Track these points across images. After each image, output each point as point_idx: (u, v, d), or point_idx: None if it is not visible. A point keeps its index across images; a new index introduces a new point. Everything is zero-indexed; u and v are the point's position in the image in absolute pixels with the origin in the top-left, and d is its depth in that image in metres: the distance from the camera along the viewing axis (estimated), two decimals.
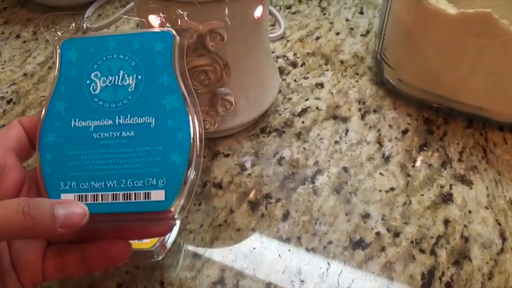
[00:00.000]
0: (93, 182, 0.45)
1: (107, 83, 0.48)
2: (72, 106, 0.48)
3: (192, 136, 0.46)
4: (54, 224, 0.40)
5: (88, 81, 0.48)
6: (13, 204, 0.40)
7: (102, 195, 0.45)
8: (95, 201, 0.45)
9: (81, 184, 0.45)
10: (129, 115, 0.47)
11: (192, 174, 0.45)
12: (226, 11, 0.60)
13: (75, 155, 0.46)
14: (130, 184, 0.45)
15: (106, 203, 0.45)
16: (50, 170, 0.46)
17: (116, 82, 0.48)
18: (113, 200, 0.45)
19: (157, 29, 0.51)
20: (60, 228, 0.41)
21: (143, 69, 0.48)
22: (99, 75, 0.48)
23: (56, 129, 0.47)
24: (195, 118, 0.47)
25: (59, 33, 0.52)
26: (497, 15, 0.64)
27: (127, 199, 0.45)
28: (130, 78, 0.48)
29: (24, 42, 0.92)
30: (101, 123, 0.47)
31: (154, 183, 0.45)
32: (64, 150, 0.47)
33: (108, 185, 0.45)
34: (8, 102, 0.80)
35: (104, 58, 0.49)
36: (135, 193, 0.45)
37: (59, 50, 0.51)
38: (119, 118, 0.47)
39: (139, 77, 0.48)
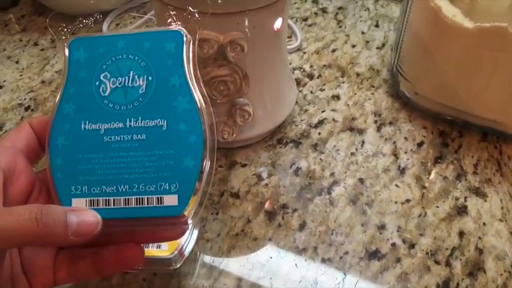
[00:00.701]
0: (104, 187, 0.44)
1: (117, 84, 0.46)
2: (81, 108, 0.46)
3: (204, 139, 0.44)
4: (67, 232, 0.40)
5: (97, 83, 0.47)
6: (26, 211, 0.39)
7: (114, 200, 0.44)
8: (107, 206, 0.44)
9: (93, 188, 0.44)
10: (140, 118, 0.45)
11: (205, 178, 0.44)
12: (247, 22, 0.60)
13: (86, 159, 0.45)
14: (142, 189, 0.43)
15: (118, 208, 0.44)
16: (61, 174, 0.45)
17: (126, 83, 0.46)
18: (125, 205, 0.44)
19: (167, 28, 0.49)
20: (72, 237, 0.40)
21: (154, 70, 0.47)
22: (109, 76, 0.47)
23: (65, 132, 0.46)
24: (208, 120, 0.45)
25: (66, 31, 0.51)
26: None
27: (139, 204, 0.43)
28: (141, 79, 0.46)
29: (42, 50, 0.93)
30: (112, 126, 0.45)
31: (167, 187, 0.43)
32: (74, 153, 0.45)
33: (120, 190, 0.44)
34: (26, 109, 0.81)
35: (113, 58, 0.47)
36: (147, 198, 0.43)
37: (66, 50, 0.49)
38: (130, 121, 0.45)
39: (150, 78, 0.46)
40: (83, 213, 0.41)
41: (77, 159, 0.45)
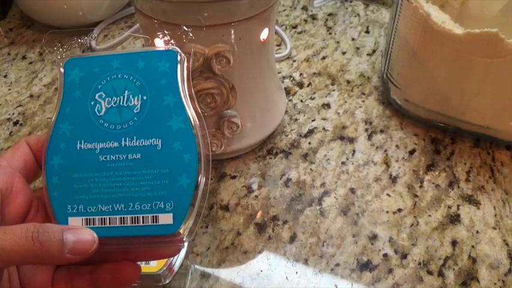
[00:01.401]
0: (100, 206, 0.44)
1: (112, 104, 0.46)
2: (77, 128, 0.46)
3: (199, 157, 0.44)
4: (63, 250, 0.40)
5: (93, 102, 0.47)
6: (22, 230, 0.39)
7: (109, 218, 0.44)
8: (103, 225, 0.44)
9: (89, 207, 0.44)
10: (135, 137, 0.45)
11: (199, 196, 0.44)
12: (233, 34, 0.60)
13: (82, 178, 0.45)
14: (138, 207, 0.44)
15: (114, 227, 0.44)
16: (57, 193, 0.45)
17: (121, 103, 0.46)
18: (121, 223, 0.44)
19: (161, 48, 0.49)
20: (69, 255, 0.40)
21: (148, 89, 0.46)
22: (104, 95, 0.47)
23: (61, 152, 0.46)
24: (202, 139, 0.45)
25: (61, 50, 0.51)
26: (504, 34, 0.63)
27: (135, 223, 0.44)
28: (136, 98, 0.46)
29: (31, 63, 0.92)
30: (107, 145, 0.45)
31: (162, 206, 0.43)
32: (70, 173, 0.45)
33: (116, 209, 0.44)
34: (15, 123, 0.80)
35: (108, 78, 0.47)
36: (143, 217, 0.43)
37: (62, 70, 0.49)
38: (125, 140, 0.45)
39: (145, 98, 0.46)
40: (79, 232, 0.41)
41: (73, 179, 0.45)
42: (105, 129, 0.46)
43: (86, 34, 0.82)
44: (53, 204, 0.45)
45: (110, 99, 0.47)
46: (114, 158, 0.45)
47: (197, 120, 0.46)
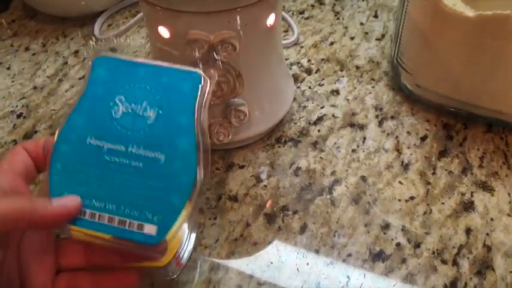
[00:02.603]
0: (94, 200, 0.46)
1: (129, 109, 0.48)
2: (91, 123, 0.48)
3: (195, 183, 0.46)
4: (49, 202, 0.44)
5: (111, 103, 0.49)
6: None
7: (99, 215, 0.46)
8: (92, 219, 0.46)
9: (83, 200, 0.46)
10: (141, 146, 0.47)
11: (187, 216, 0.47)
12: (238, 20, 0.58)
13: (84, 171, 0.47)
14: (127, 212, 0.46)
15: (101, 223, 0.46)
16: (57, 178, 0.47)
17: (137, 111, 0.48)
18: (109, 222, 0.46)
19: (187, 68, 0.50)
20: (56, 205, 0.44)
21: (166, 104, 0.48)
22: (123, 99, 0.49)
23: (71, 142, 0.48)
24: (203, 165, 0.47)
25: (94, 46, 0.53)
26: None
27: (121, 225, 0.46)
28: (152, 111, 0.48)
29: (34, 54, 0.91)
30: (114, 147, 0.47)
31: (150, 217, 0.46)
32: (75, 163, 0.47)
33: (107, 207, 0.46)
34: (18, 116, 0.79)
35: (131, 84, 0.49)
36: (129, 221, 0.46)
37: (90, 64, 0.51)
38: (132, 147, 0.47)
39: (160, 112, 0.48)
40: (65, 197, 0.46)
41: (75, 169, 0.47)
42: (116, 132, 0.48)
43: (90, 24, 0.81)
44: (51, 187, 0.47)
45: (128, 105, 0.49)
46: (118, 161, 0.47)
47: (203, 145, 0.47)
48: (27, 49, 0.92)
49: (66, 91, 0.83)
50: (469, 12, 0.64)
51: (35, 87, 0.84)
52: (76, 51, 0.90)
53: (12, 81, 0.86)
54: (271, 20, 0.62)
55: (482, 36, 0.65)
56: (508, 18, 0.62)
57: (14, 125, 0.78)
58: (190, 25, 0.58)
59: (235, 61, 0.60)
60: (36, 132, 0.76)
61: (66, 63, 0.88)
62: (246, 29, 0.59)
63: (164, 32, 0.61)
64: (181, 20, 0.58)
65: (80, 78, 0.84)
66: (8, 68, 0.88)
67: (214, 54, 0.59)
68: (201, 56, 0.58)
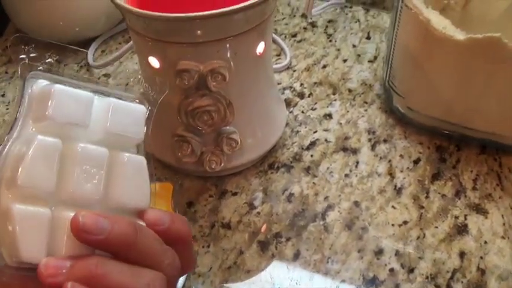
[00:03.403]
0: None
1: None
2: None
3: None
4: None
5: None
6: None
7: None
8: None
9: None
10: None
11: None
12: (228, 49, 0.59)
13: None
14: None
15: None
16: None
17: None
18: None
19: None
20: None
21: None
22: None
23: None
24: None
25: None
26: (507, 38, 0.62)
27: None
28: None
29: None
30: None
31: None
32: None
33: None
34: None
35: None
36: None
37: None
38: None
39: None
40: None
41: None
42: None
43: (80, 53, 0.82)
44: None
45: None
46: None
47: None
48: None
49: None
50: (460, 36, 0.64)
51: None
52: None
53: (7, 109, 0.86)
54: (260, 48, 0.62)
55: (473, 59, 0.65)
56: (498, 41, 0.62)
57: None
58: (180, 55, 0.58)
59: (225, 90, 0.61)
60: None
61: None
62: (235, 58, 0.60)
63: (154, 62, 0.61)
64: (171, 51, 0.59)
65: None
66: (3, 95, 0.88)
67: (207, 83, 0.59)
68: (192, 85, 0.59)
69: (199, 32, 0.56)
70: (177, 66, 0.58)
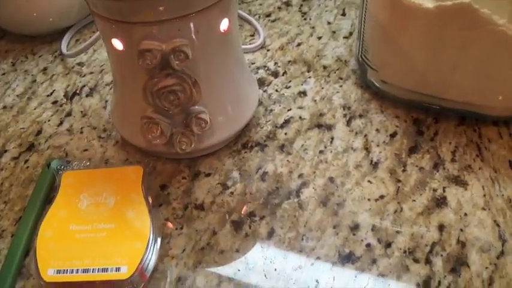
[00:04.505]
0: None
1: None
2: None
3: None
4: None
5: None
6: None
7: None
8: None
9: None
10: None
11: None
12: (189, 27, 0.57)
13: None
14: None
15: None
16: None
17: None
18: None
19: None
20: None
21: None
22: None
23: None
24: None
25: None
26: (478, 4, 0.61)
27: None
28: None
29: (3, 74, 0.90)
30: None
31: None
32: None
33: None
34: None
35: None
36: None
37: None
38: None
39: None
40: None
41: None
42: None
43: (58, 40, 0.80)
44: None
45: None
46: None
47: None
48: None
49: (34, 109, 0.82)
50: (429, 4, 0.63)
51: (4, 107, 0.83)
52: (45, 68, 0.90)
53: None
54: (224, 25, 0.61)
55: (444, 28, 0.64)
56: (468, 7, 0.61)
57: None
58: (142, 35, 0.57)
59: (190, 69, 0.59)
60: (6, 151, 0.76)
61: (35, 81, 0.88)
62: (198, 36, 0.58)
63: (118, 44, 0.60)
64: (133, 31, 0.58)
65: (48, 95, 0.84)
66: None
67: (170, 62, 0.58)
68: (155, 65, 0.58)
69: (160, 8, 0.55)
70: (139, 46, 0.57)
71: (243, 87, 0.69)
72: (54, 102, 0.83)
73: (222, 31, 0.61)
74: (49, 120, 0.79)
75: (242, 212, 0.64)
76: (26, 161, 0.74)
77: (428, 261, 0.57)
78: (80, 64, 0.89)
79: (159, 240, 0.60)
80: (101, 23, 0.60)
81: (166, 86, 0.59)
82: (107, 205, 0.62)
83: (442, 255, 0.58)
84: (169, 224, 0.63)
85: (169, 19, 0.56)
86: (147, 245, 0.58)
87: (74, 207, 0.63)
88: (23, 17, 0.93)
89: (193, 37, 0.58)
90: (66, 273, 0.57)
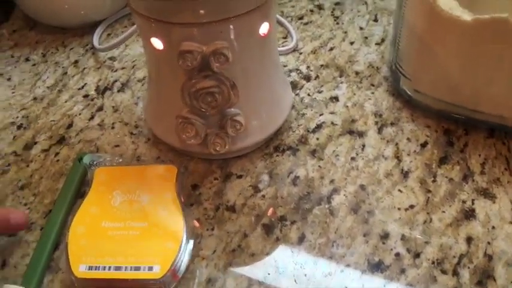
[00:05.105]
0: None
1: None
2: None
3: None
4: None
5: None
6: None
7: None
8: None
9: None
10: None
11: None
12: (230, 30, 0.58)
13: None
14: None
15: None
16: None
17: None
18: None
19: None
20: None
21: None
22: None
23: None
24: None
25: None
26: None
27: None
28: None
29: (34, 65, 0.91)
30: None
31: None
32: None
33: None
34: (19, 127, 0.79)
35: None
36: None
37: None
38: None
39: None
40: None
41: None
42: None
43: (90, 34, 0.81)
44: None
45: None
46: None
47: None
48: (27, 60, 0.92)
49: (65, 101, 0.83)
50: (467, 16, 0.63)
51: (35, 98, 0.84)
52: (76, 61, 0.90)
53: (13, 92, 0.86)
54: (264, 29, 0.61)
55: (480, 40, 0.64)
56: (506, 21, 0.61)
57: (14, 136, 0.78)
58: (183, 36, 0.57)
59: (229, 71, 0.60)
60: (36, 143, 0.76)
61: (65, 73, 0.88)
62: (239, 39, 0.59)
63: (157, 43, 0.60)
64: (174, 32, 0.58)
65: (79, 89, 0.84)
66: (9, 79, 0.88)
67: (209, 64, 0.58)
68: (195, 66, 0.58)
69: (202, 11, 0.55)
70: (180, 47, 0.57)
71: (277, 90, 0.70)
72: (86, 96, 0.83)
73: (262, 35, 0.61)
74: (80, 114, 0.80)
75: (269, 214, 0.64)
76: (57, 154, 0.74)
77: (455, 273, 0.58)
78: (112, 59, 0.90)
79: (191, 241, 0.61)
80: (141, 21, 0.60)
81: (205, 88, 0.60)
82: (140, 203, 0.63)
83: (469, 267, 0.58)
84: (196, 223, 0.64)
85: (210, 21, 0.56)
86: (180, 246, 0.58)
87: (107, 204, 0.63)
88: (55, 9, 0.93)
89: (234, 40, 0.59)
90: (98, 269, 0.57)
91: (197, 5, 0.55)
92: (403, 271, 0.58)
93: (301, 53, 0.87)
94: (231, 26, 0.58)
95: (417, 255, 0.59)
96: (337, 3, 0.98)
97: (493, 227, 0.62)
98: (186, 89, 0.60)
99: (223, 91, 0.60)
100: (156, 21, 0.58)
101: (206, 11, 0.55)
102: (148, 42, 0.61)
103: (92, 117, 0.79)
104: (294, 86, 0.81)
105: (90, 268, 0.57)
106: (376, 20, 0.94)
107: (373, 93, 0.79)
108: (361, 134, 0.73)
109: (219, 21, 0.57)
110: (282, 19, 0.92)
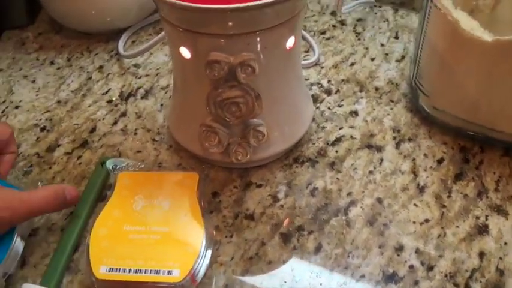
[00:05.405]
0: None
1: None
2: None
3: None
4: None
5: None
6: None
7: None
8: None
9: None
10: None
11: None
12: (258, 42, 0.59)
13: None
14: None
15: None
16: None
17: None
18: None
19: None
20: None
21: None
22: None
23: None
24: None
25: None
26: None
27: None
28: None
29: (58, 68, 0.93)
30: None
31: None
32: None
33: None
34: (42, 129, 0.80)
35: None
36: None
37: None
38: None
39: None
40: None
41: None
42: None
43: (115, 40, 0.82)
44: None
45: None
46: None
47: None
48: (52, 63, 0.94)
49: (89, 106, 0.84)
50: (487, 37, 0.64)
51: (58, 101, 0.86)
52: (100, 67, 0.92)
53: (37, 95, 0.87)
54: (290, 42, 0.62)
55: (500, 61, 0.65)
56: None
57: (37, 138, 0.79)
58: (211, 47, 0.59)
59: (254, 82, 0.61)
60: (59, 145, 0.78)
61: (90, 78, 0.90)
62: (265, 52, 0.60)
63: (185, 52, 0.62)
64: (202, 42, 0.59)
65: (103, 94, 0.86)
66: (33, 82, 0.90)
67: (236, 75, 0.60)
68: (222, 76, 0.60)
69: (230, 23, 0.57)
70: (207, 57, 0.59)
71: (299, 103, 0.71)
72: (109, 101, 0.85)
73: (288, 48, 0.63)
74: (103, 119, 0.82)
75: (284, 225, 0.65)
76: (79, 157, 0.76)
77: (467, 287, 0.59)
78: (136, 66, 0.91)
79: (210, 247, 0.62)
80: (170, 29, 0.62)
81: (230, 98, 0.61)
82: (162, 208, 0.64)
83: (481, 282, 0.59)
84: (213, 232, 0.65)
85: (239, 34, 0.58)
86: (200, 251, 0.59)
87: (129, 208, 0.65)
88: (81, 14, 0.95)
89: (260, 52, 0.60)
90: (119, 272, 0.58)
91: (226, 17, 0.56)
92: (416, 283, 0.59)
93: (322, 67, 0.89)
94: (258, 39, 0.59)
95: (431, 268, 0.61)
96: (359, 20, 0.99)
97: (505, 243, 0.63)
98: (212, 98, 0.62)
99: (248, 102, 0.62)
100: (185, 30, 0.59)
101: (234, 23, 0.57)
102: (177, 51, 0.63)
103: (115, 123, 0.81)
104: (315, 99, 0.82)
105: (111, 270, 0.59)
106: (397, 37, 0.95)
107: (392, 108, 0.80)
108: (379, 149, 0.74)
109: (247, 34, 0.58)
110: (305, 33, 0.93)
